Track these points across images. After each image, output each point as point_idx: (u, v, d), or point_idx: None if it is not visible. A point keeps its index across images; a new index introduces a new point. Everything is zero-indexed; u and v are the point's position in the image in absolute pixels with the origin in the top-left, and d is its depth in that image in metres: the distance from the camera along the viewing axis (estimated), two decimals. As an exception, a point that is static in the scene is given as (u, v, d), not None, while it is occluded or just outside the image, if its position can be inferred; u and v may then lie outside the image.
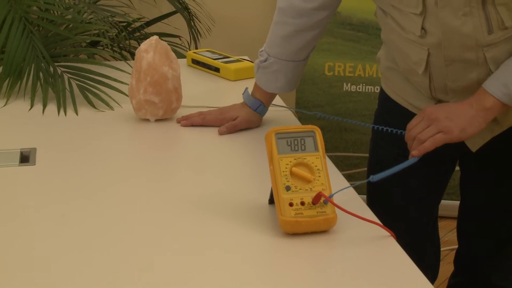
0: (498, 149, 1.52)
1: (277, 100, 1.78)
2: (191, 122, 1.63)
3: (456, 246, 1.77)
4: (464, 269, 1.74)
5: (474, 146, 1.49)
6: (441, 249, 1.85)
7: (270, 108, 1.67)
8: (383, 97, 1.65)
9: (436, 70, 1.42)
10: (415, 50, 1.42)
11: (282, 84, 1.61)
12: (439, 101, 1.48)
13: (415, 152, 1.32)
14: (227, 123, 1.60)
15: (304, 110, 1.77)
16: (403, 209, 1.65)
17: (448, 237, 2.70)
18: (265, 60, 1.60)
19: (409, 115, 1.44)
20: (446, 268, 2.07)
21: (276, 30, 1.57)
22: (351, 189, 1.29)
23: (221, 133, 1.59)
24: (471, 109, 1.32)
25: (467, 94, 1.38)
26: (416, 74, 1.45)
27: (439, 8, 1.32)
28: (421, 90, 1.50)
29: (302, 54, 1.59)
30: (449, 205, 2.32)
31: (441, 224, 1.83)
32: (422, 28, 1.37)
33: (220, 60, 2.05)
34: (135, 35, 2.70)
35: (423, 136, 1.32)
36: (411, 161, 1.31)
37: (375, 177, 1.23)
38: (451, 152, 1.49)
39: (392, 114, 1.60)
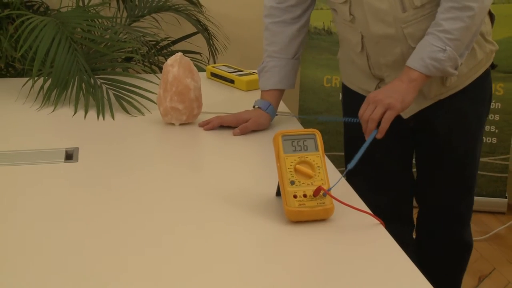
0: (436, 124, 1.60)
1: (284, 108, 1.78)
2: (212, 125, 1.62)
3: None
4: (422, 226, 1.81)
5: (405, 114, 1.57)
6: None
7: (277, 116, 1.67)
8: (344, 89, 1.75)
9: (370, 48, 1.53)
10: (353, 33, 1.54)
11: (276, 80, 1.64)
12: (379, 79, 1.58)
13: (379, 135, 1.40)
14: (241, 124, 1.59)
15: (306, 116, 1.78)
16: (375, 178, 1.69)
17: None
18: (262, 63, 1.67)
19: (360, 98, 1.55)
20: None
21: (266, 34, 1.66)
22: (346, 184, 1.28)
23: (235, 134, 1.58)
24: (402, 84, 1.41)
25: (396, 67, 1.50)
26: (358, 55, 1.56)
27: None
28: (364, 71, 1.59)
29: (290, 50, 1.64)
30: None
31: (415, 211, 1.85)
32: (350, 14, 1.50)
33: (234, 73, 2.04)
34: (162, 52, 2.70)
35: (374, 116, 1.40)
36: (371, 137, 1.38)
37: (351, 164, 1.24)
38: (394, 125, 1.49)
39: (350, 99, 1.71)
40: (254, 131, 1.60)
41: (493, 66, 1.63)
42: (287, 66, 1.64)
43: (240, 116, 1.61)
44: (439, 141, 1.63)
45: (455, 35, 1.38)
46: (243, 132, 1.59)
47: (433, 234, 1.78)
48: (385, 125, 1.39)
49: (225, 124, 1.62)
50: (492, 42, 1.59)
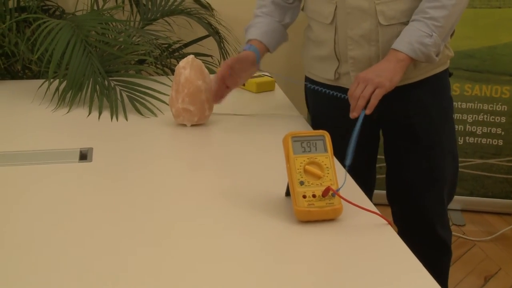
0: (399, 115, 1.61)
1: (291, 107, 1.77)
2: (221, 96, 1.64)
3: None
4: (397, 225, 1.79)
5: (369, 109, 1.56)
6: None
7: (286, 116, 1.66)
8: (306, 80, 1.76)
9: (340, 19, 1.55)
10: (327, 5, 1.57)
11: (258, 32, 1.67)
12: (338, 61, 1.59)
13: (368, 111, 1.42)
14: (228, 70, 1.60)
15: (298, 81, 1.79)
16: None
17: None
18: (248, 28, 1.71)
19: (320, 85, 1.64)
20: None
21: (259, 2, 1.72)
22: (354, 184, 1.27)
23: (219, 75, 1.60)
24: (390, 63, 1.45)
25: (361, 43, 1.53)
26: (326, 29, 1.59)
27: None
28: (327, 49, 1.60)
29: (277, 14, 1.70)
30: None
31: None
32: None
33: (245, 76, 2.03)
34: (174, 54, 2.70)
35: (365, 94, 1.42)
36: (360, 117, 1.38)
37: (348, 161, 1.22)
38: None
39: (310, 90, 1.73)
40: (265, 132, 1.60)
41: (449, 73, 1.66)
42: (271, 24, 1.68)
43: (225, 63, 1.62)
44: (404, 132, 1.63)
45: (441, 22, 1.44)
46: (224, 69, 1.59)
47: (405, 230, 1.74)
48: (374, 101, 1.41)
49: (224, 80, 1.61)
50: (449, 49, 1.63)
